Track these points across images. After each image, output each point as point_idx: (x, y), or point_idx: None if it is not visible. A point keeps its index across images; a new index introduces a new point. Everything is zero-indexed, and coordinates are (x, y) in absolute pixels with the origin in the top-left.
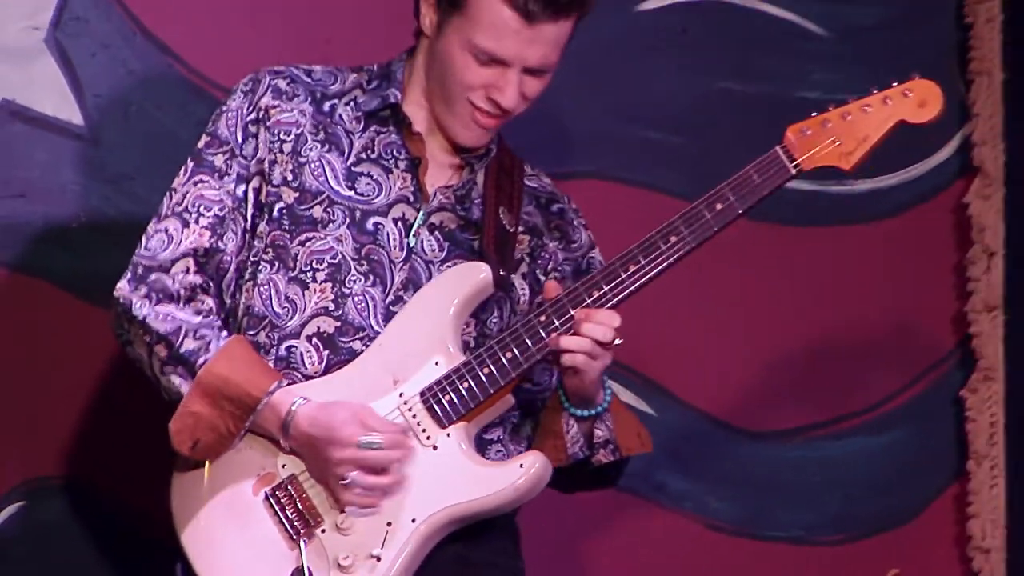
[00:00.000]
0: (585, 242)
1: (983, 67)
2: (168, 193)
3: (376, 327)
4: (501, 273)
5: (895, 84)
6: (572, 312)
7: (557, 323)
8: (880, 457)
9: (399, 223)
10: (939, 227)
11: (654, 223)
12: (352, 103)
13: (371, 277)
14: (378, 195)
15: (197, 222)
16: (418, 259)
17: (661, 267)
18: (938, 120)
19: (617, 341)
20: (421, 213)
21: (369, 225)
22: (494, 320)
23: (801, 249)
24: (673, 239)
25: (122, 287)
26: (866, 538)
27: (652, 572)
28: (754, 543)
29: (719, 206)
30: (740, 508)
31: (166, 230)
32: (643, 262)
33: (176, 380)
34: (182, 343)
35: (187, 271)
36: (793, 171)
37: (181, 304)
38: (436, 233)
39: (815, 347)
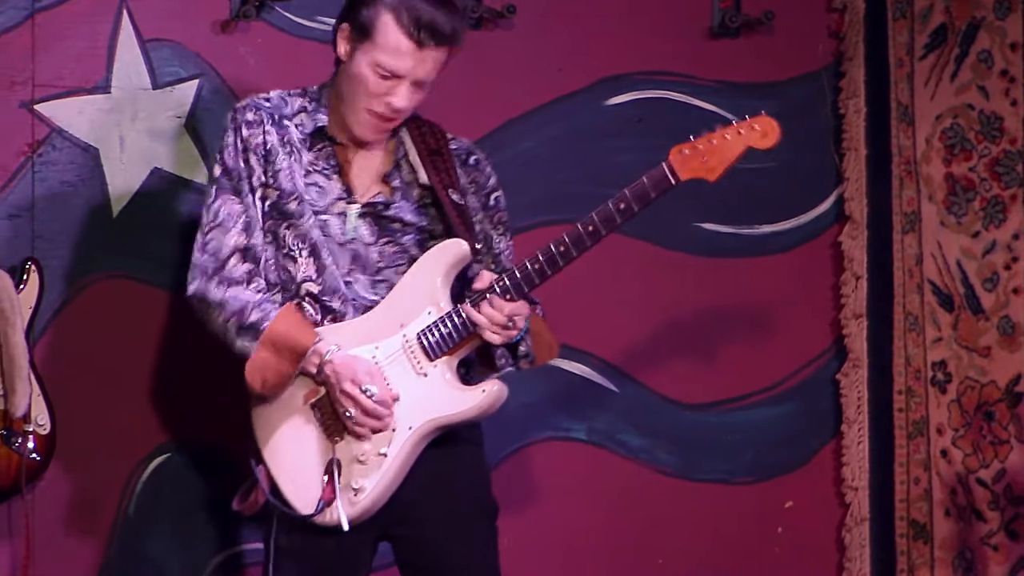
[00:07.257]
0: (491, 184)
1: (852, 145)
2: (204, 210)
3: (343, 289)
4: (477, 246)
5: (747, 118)
6: (488, 299)
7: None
8: (780, 422)
9: (339, 215)
10: (821, 258)
11: (614, 251)
12: (300, 124)
13: (332, 256)
14: (323, 198)
15: (234, 228)
16: (358, 243)
17: (585, 247)
18: (776, 146)
19: (512, 323)
20: (355, 208)
21: (320, 219)
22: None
23: (725, 275)
24: (591, 228)
25: (196, 285)
26: (769, 480)
27: (616, 506)
28: (690, 483)
29: (622, 205)
30: (680, 458)
31: (215, 238)
32: (567, 246)
33: (247, 343)
34: (250, 315)
35: (238, 263)
36: (673, 181)
37: (244, 286)
38: (368, 219)
39: (733, 343)
